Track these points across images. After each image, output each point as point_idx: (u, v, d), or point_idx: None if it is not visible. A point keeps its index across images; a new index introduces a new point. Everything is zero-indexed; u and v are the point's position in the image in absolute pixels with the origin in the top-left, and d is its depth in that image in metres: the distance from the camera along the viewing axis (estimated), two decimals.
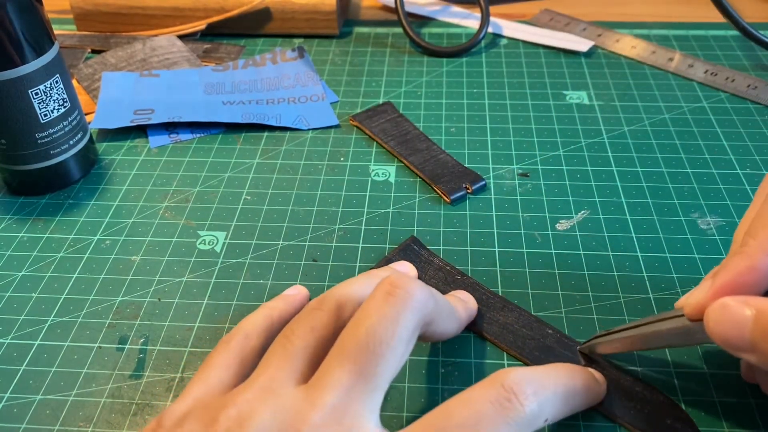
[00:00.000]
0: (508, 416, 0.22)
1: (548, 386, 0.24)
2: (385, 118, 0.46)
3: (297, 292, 0.32)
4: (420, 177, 0.41)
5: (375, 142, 0.44)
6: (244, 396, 0.23)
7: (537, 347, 0.31)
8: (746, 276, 0.25)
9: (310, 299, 0.33)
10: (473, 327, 0.32)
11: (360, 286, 0.28)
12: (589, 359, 0.30)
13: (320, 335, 0.25)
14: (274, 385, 0.24)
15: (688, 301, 0.26)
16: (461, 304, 0.30)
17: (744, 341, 0.23)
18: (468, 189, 0.40)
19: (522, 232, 0.37)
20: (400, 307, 0.24)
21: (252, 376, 0.24)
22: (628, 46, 0.53)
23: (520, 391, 0.23)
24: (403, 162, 0.42)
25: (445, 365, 0.30)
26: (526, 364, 0.30)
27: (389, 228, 0.38)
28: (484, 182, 0.40)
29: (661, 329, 0.27)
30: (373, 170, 0.42)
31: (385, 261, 0.35)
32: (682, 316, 0.26)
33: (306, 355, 0.25)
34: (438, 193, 0.40)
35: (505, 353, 0.31)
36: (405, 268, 0.33)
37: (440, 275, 0.34)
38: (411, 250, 0.35)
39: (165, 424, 0.24)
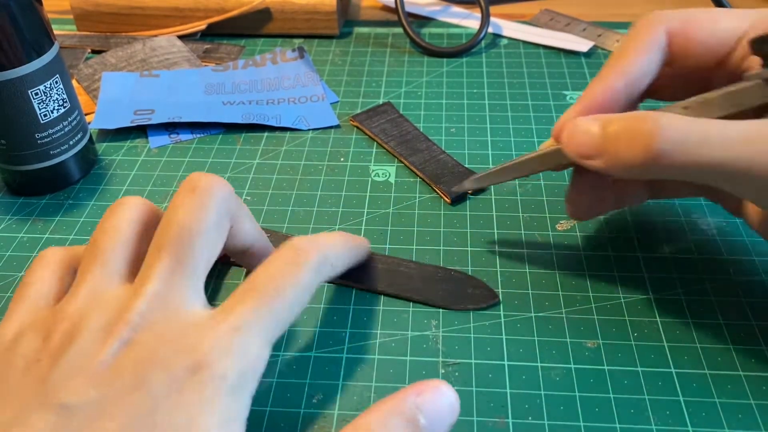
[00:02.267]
0: (300, 264, 0.26)
1: (327, 241, 0.29)
2: (385, 119, 0.46)
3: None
4: (420, 177, 0.41)
5: (375, 143, 0.44)
6: (73, 306, 0.25)
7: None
8: (600, 95, 0.30)
9: None
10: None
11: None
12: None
13: (128, 231, 0.27)
14: (95, 291, 0.25)
15: (557, 126, 0.30)
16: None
17: (591, 148, 0.27)
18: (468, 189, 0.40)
19: (522, 232, 0.37)
20: (203, 199, 0.26)
21: (73, 286, 0.26)
22: None
23: (305, 246, 0.27)
24: (403, 162, 0.42)
25: (445, 365, 0.30)
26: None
27: (389, 228, 0.38)
28: None
29: (525, 159, 0.32)
30: (373, 170, 0.42)
31: None
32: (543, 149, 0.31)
33: (120, 254, 0.26)
34: (438, 194, 0.40)
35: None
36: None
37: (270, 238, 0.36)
38: None
39: None
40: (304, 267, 0.26)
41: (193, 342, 0.23)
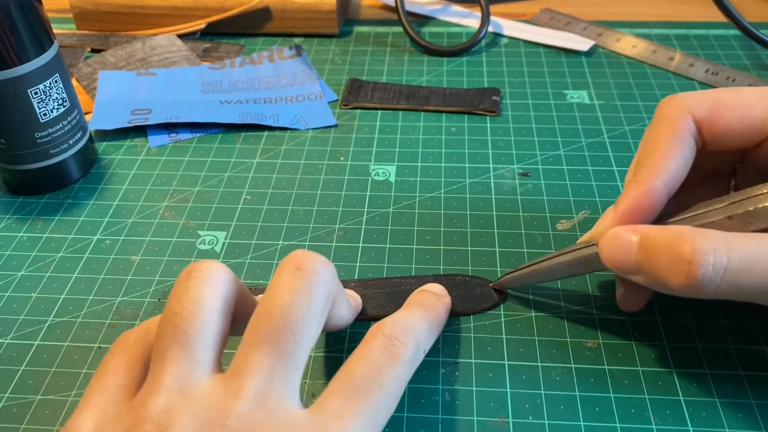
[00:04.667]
0: (398, 358, 0.24)
1: (417, 325, 0.27)
2: (370, 88, 0.48)
3: None
4: (453, 112, 0.45)
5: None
6: (155, 406, 0.22)
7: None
8: (642, 200, 0.28)
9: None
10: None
11: None
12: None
13: (213, 309, 0.23)
14: (181, 384, 0.22)
15: (597, 230, 0.29)
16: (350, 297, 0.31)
17: (631, 264, 0.26)
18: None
19: (522, 232, 0.37)
20: (311, 282, 0.23)
21: (150, 377, 0.23)
22: (628, 45, 0.53)
23: (399, 335, 0.25)
24: (427, 110, 0.46)
25: (445, 365, 0.30)
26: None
27: (389, 228, 0.38)
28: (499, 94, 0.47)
29: (562, 261, 0.30)
30: (373, 170, 0.42)
31: None
32: (581, 248, 0.30)
33: (207, 339, 0.23)
34: (483, 114, 0.45)
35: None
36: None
37: None
38: None
39: None
40: (402, 359, 0.24)
41: None
